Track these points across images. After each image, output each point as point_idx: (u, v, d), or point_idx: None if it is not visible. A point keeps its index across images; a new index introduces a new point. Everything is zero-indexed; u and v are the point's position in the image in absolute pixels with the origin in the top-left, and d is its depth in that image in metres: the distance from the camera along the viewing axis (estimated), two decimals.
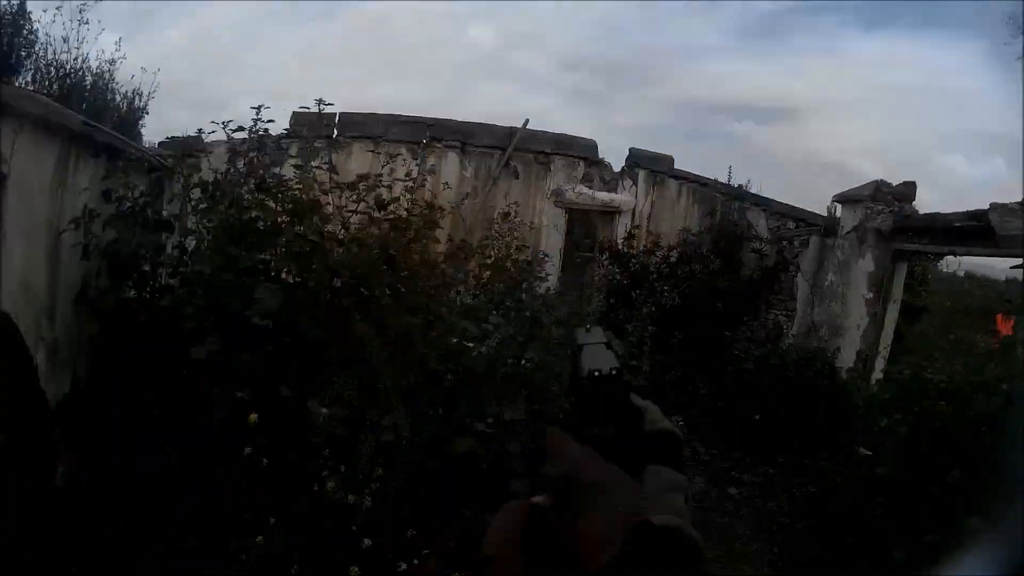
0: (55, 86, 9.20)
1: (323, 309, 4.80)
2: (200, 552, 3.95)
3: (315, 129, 7.33)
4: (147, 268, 5.10)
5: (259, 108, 5.35)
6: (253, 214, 5.09)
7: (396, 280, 5.10)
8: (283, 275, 4.96)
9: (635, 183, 11.20)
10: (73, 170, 4.91)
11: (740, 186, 10.95)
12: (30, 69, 9.35)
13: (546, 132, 11.06)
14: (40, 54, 9.35)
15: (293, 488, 4.17)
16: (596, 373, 0.98)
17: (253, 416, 4.14)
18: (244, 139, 5.48)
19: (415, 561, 4.09)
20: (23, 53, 9.25)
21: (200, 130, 5.37)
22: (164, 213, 5.44)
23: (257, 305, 4.40)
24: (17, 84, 8.14)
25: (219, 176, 5.29)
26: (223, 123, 5.33)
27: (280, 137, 5.55)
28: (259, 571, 3.88)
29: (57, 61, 9.29)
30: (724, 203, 10.81)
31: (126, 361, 5.13)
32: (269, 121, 5.36)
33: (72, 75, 9.35)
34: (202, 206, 5.16)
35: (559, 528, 0.80)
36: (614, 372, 0.98)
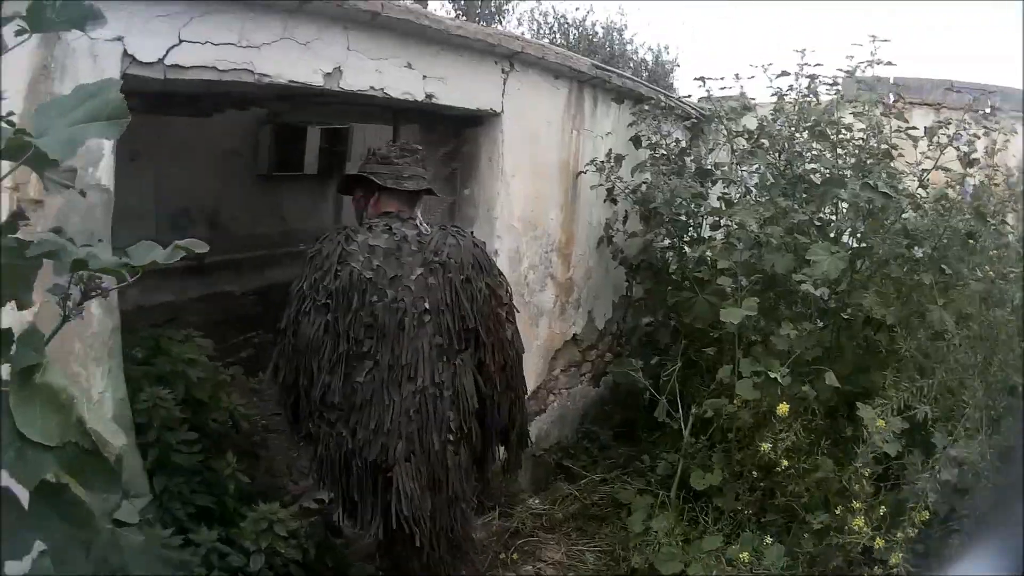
0: (555, 35, 9.41)
1: (894, 284, 3.76)
2: None
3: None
4: (683, 217, 4.61)
5: (803, 52, 4.45)
6: (808, 165, 4.23)
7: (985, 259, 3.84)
8: (844, 238, 4.02)
9: None
10: (590, 114, 4.68)
11: None
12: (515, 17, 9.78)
13: None
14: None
15: None
16: None
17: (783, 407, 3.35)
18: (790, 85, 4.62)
19: None
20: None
21: (737, 75, 4.63)
22: (704, 163, 4.88)
23: (810, 268, 3.53)
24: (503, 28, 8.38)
25: (764, 123, 4.54)
26: (763, 66, 4.53)
27: (831, 84, 4.54)
28: None
29: (554, 12, 9.56)
30: None
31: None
32: (817, 65, 4.45)
33: (576, 26, 9.53)
34: (746, 153, 4.48)
35: None
36: None
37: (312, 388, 2.43)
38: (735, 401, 3.56)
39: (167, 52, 2.43)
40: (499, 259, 4.04)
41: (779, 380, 3.34)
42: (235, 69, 2.64)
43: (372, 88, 3.20)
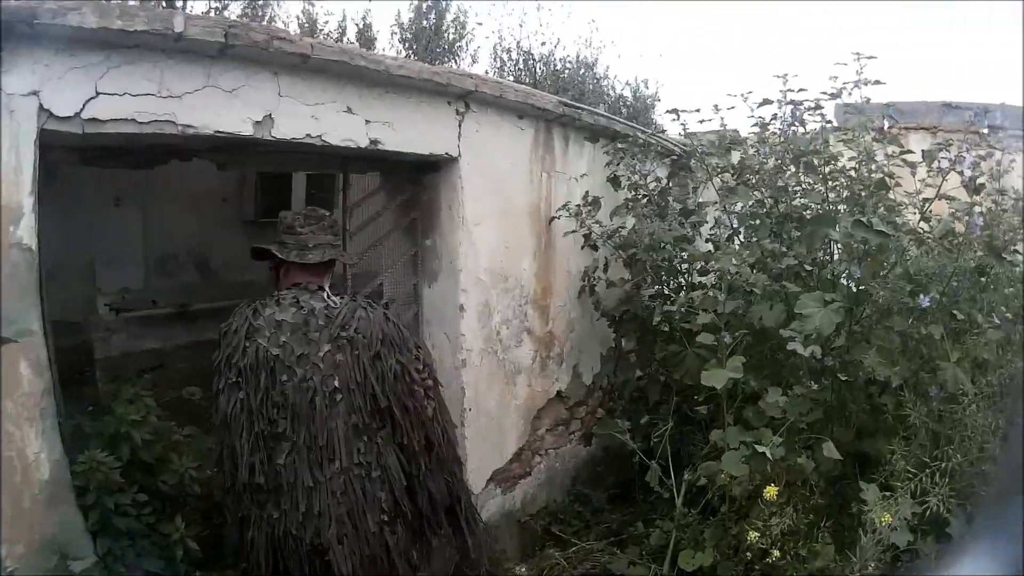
0: (520, 72, 9.12)
1: (899, 337, 3.36)
2: None
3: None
4: (665, 261, 4.25)
5: (785, 76, 4.10)
6: (796, 200, 3.87)
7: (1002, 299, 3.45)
8: (840, 281, 3.64)
9: None
10: (561, 155, 4.39)
11: None
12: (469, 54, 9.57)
13: None
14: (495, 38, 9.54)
15: None
16: None
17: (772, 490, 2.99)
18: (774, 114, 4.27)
19: None
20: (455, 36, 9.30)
21: (716, 106, 4.29)
22: (689, 203, 4.54)
23: (800, 323, 3.17)
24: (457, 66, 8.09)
25: (746, 156, 4.22)
26: (743, 95, 4.19)
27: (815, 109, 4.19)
28: None
29: (519, 47, 9.27)
30: None
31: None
32: (800, 90, 4.09)
33: (542, 61, 9.22)
34: (728, 191, 4.15)
35: None
36: None
37: (237, 468, 2.37)
38: (724, 475, 3.18)
39: (84, 105, 2.28)
40: (466, 315, 3.78)
41: (768, 455, 2.95)
42: (156, 120, 2.47)
43: (308, 136, 2.95)
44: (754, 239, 3.81)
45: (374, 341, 2.40)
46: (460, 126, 3.66)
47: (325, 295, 2.50)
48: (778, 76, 4.07)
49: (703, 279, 4.26)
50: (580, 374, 4.68)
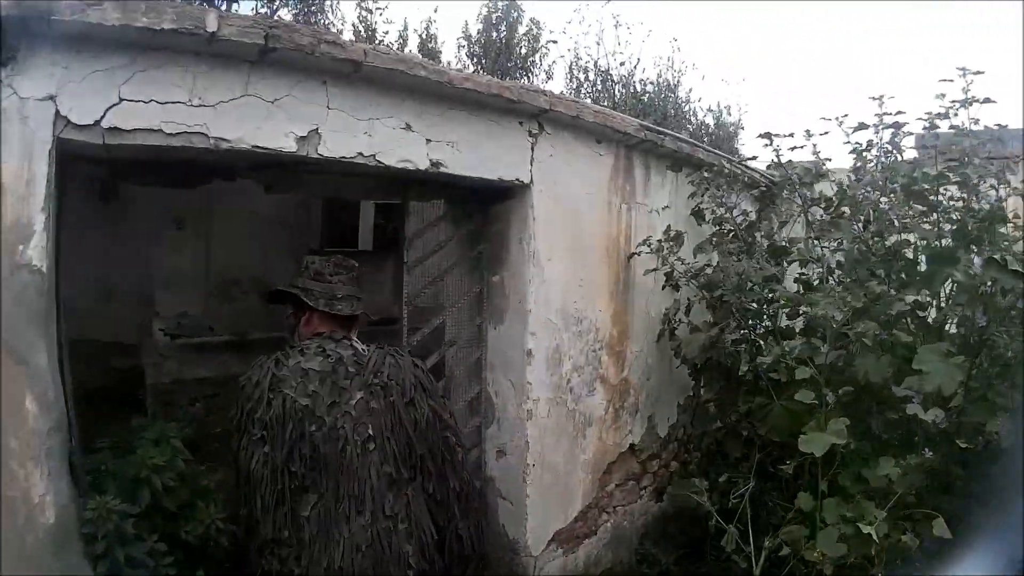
0: (598, 94, 8.62)
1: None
2: None
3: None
4: (754, 304, 3.85)
5: (881, 98, 3.68)
6: (901, 236, 3.44)
7: None
8: (945, 329, 3.18)
9: None
10: (642, 184, 4.02)
11: None
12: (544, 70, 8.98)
13: None
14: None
15: None
16: None
17: None
18: (869, 140, 3.84)
19: None
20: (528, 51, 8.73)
21: (808, 131, 3.86)
22: (776, 238, 4.12)
23: (917, 380, 2.71)
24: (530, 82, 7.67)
25: (845, 186, 3.80)
26: (838, 119, 3.77)
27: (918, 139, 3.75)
28: None
29: (596, 67, 8.72)
30: None
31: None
32: (899, 112, 3.66)
33: (621, 82, 8.70)
34: (824, 224, 3.74)
35: None
36: None
37: (260, 523, 2.26)
38: (816, 552, 2.73)
39: (105, 113, 2.06)
40: (534, 360, 3.44)
41: (873, 536, 2.50)
42: (186, 132, 2.23)
43: (361, 155, 2.67)
44: (852, 279, 3.37)
45: (408, 387, 2.35)
46: (532, 149, 3.33)
47: (353, 341, 2.42)
48: (874, 98, 3.70)
49: (791, 323, 3.84)
50: (655, 425, 4.27)
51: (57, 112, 1.98)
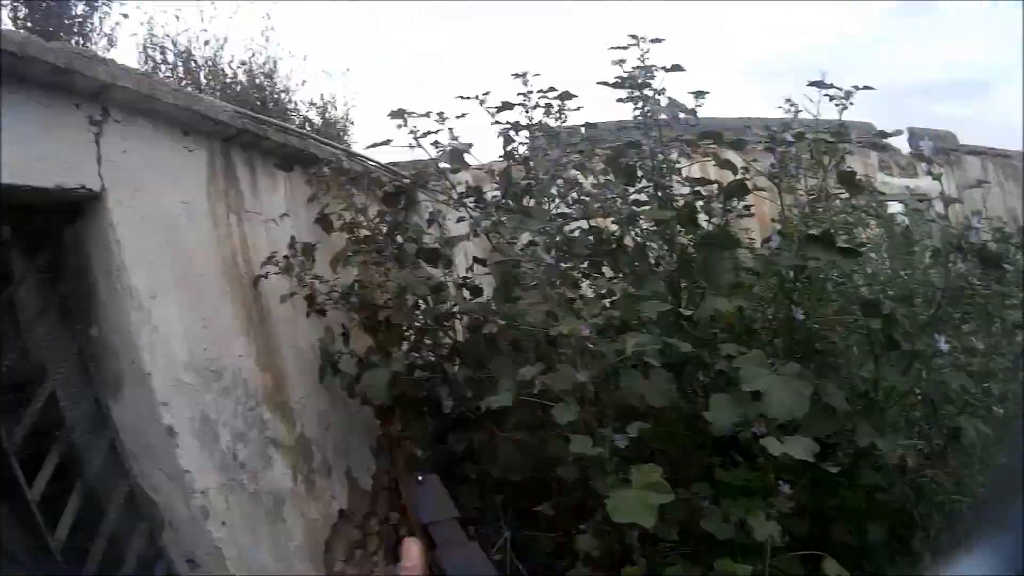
0: (180, 81, 7.29)
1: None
2: None
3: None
4: (420, 320, 3.32)
5: (524, 75, 3.48)
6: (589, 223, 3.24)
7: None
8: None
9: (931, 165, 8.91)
10: (250, 188, 3.15)
11: None
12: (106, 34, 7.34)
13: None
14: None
15: None
16: None
17: None
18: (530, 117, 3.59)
19: None
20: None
21: (441, 113, 3.49)
22: (428, 240, 3.60)
23: (761, 404, 2.34)
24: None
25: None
26: (478, 96, 3.46)
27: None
28: None
29: (175, 45, 7.46)
30: None
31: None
32: (551, 89, 3.49)
33: (207, 65, 7.45)
34: (488, 219, 3.37)
35: None
36: None
37: None
38: None
39: None
40: (180, 439, 2.36)
41: None
42: None
43: None
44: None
45: None
46: (99, 143, 2.26)
47: None
48: (517, 75, 3.44)
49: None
50: (356, 479, 3.40)
51: None
